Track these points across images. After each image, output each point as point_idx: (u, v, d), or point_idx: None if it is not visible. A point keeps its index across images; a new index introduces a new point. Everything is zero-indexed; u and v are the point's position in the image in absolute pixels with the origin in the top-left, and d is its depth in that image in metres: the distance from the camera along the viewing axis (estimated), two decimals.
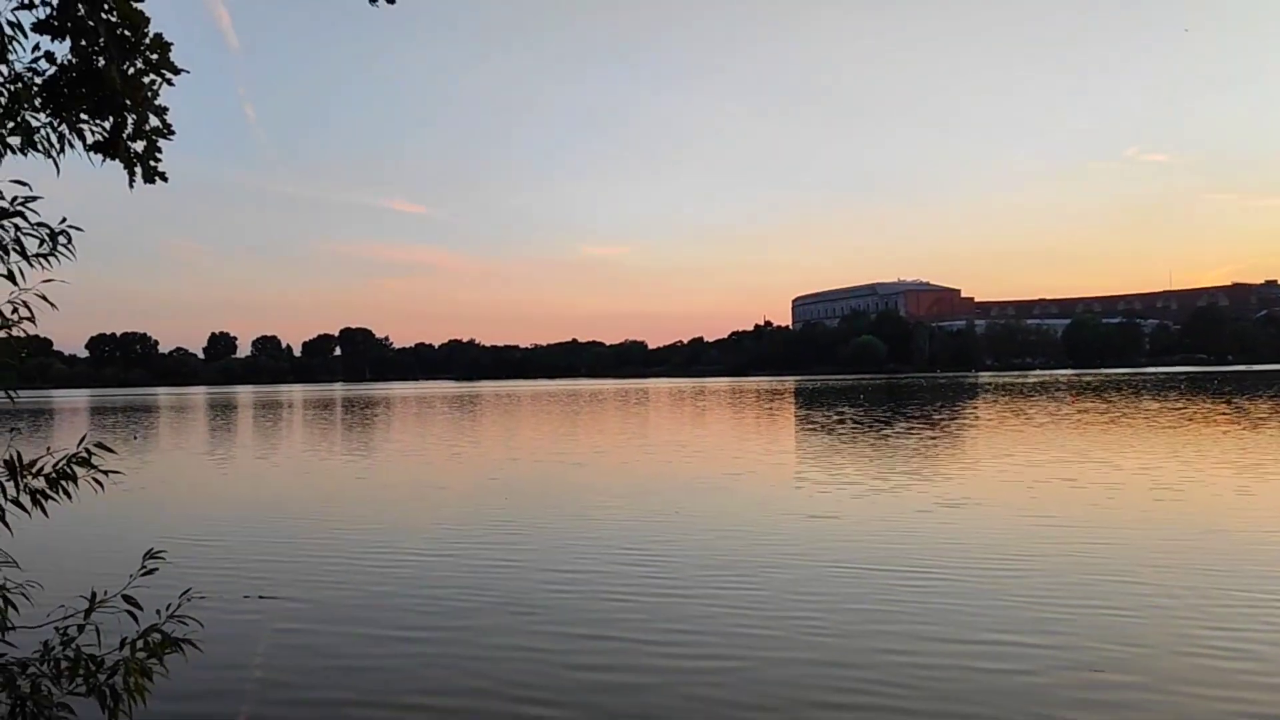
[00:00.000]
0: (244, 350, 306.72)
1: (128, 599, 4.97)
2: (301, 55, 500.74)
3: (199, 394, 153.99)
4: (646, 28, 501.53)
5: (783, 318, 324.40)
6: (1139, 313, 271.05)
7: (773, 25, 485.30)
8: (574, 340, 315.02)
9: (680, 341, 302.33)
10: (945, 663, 8.69)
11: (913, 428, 39.46)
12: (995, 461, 25.89)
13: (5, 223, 4.75)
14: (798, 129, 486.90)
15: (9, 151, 4.95)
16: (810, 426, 43.09)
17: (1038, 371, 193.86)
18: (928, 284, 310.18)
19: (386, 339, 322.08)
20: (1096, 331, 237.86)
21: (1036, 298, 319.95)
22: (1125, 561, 12.87)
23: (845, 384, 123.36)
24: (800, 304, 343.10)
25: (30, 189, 4.78)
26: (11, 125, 4.90)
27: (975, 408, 57.04)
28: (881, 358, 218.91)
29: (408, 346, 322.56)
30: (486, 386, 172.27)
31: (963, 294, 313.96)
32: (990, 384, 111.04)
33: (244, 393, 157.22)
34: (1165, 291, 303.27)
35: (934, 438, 34.49)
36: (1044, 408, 53.91)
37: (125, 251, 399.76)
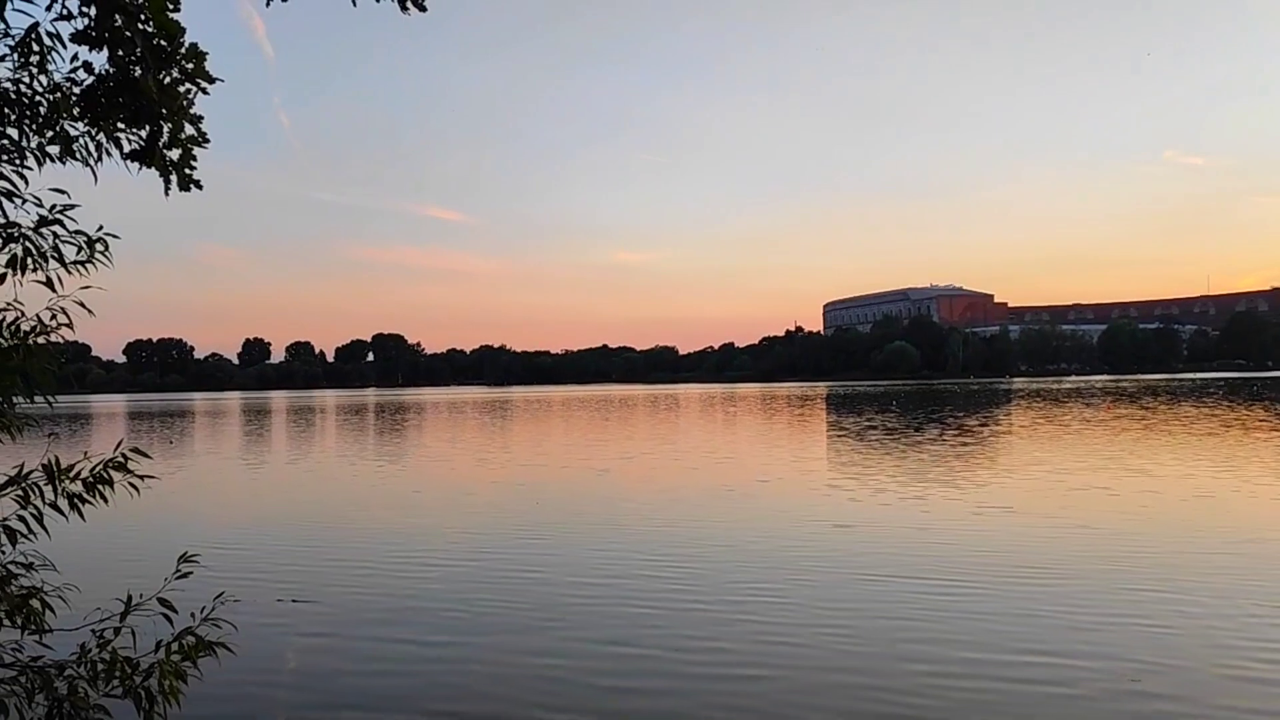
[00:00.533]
0: (278, 356, 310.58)
1: (162, 602, 5.03)
2: (336, 63, 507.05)
3: (233, 399, 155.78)
4: (674, 32, 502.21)
5: (814, 323, 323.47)
6: (1176, 318, 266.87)
7: (804, 26, 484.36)
8: (604, 346, 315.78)
9: (711, 347, 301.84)
10: (978, 674, 8.58)
11: (945, 435, 39.09)
12: (1029, 469, 25.57)
13: (44, 230, 4.83)
14: (829, 132, 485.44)
15: (48, 160, 5.03)
16: (841, 433, 42.82)
17: (1073, 378, 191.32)
18: (961, 289, 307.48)
19: (419, 345, 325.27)
20: (1133, 337, 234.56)
21: (1071, 303, 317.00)
22: (1162, 571, 12.65)
23: (877, 390, 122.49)
24: (832, 309, 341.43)
25: (69, 197, 4.87)
26: (50, 134, 4.99)
27: (1009, 414, 56.40)
28: (914, 364, 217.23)
29: (440, 352, 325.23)
30: (517, 392, 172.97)
31: (996, 299, 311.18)
32: (1024, 390, 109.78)
33: (278, 398, 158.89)
34: (1203, 296, 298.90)
35: (966, 445, 34.15)
36: (1079, 414, 53.20)
37: (162, 258, 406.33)
